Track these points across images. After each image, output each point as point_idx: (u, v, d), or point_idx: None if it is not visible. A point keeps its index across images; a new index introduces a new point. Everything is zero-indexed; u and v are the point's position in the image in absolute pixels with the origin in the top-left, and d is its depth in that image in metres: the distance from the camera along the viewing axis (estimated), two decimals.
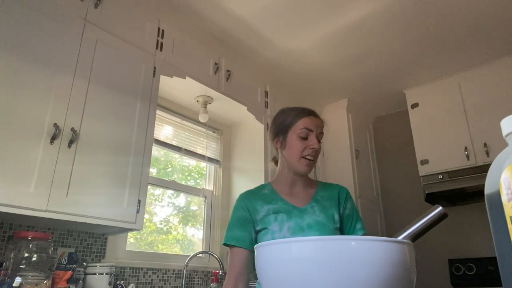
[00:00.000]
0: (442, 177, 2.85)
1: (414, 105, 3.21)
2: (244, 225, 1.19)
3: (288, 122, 1.26)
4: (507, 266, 0.34)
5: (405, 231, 0.57)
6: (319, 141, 1.24)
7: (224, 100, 2.66)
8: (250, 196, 1.25)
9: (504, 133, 0.41)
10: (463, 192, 2.85)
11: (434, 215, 0.57)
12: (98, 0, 1.96)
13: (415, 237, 0.56)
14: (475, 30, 2.57)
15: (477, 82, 2.93)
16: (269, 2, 2.29)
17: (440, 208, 0.57)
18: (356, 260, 0.43)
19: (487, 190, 0.37)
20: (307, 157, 1.20)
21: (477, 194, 2.84)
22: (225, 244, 1.20)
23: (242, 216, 1.21)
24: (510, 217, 0.34)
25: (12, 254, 1.51)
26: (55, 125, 1.64)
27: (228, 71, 2.66)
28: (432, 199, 2.95)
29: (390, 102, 3.55)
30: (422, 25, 2.51)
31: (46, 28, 1.73)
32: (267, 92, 2.97)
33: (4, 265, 1.49)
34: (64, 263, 1.69)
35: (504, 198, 0.35)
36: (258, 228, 1.18)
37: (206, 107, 2.66)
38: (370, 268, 0.43)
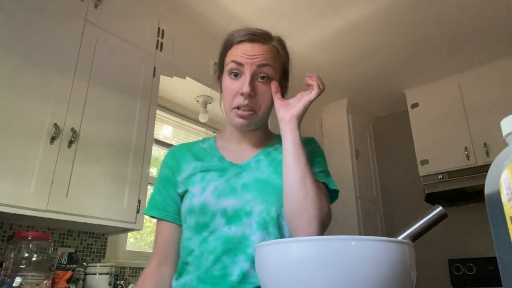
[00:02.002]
0: (442, 177, 2.85)
1: (414, 105, 3.21)
2: (166, 189, 0.91)
3: (221, 54, 0.94)
4: (507, 266, 0.34)
5: (405, 231, 0.57)
6: (262, 77, 0.85)
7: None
8: (178, 151, 0.96)
9: (504, 133, 0.41)
10: (463, 192, 2.85)
11: (434, 215, 0.57)
12: (98, 0, 1.96)
13: (415, 237, 0.56)
14: (475, 30, 2.57)
15: (477, 82, 2.93)
16: (269, 2, 2.29)
17: (440, 208, 0.57)
18: (355, 260, 0.43)
19: (487, 190, 0.37)
20: (237, 109, 0.85)
21: (477, 194, 2.84)
22: (146, 214, 0.94)
23: (165, 177, 0.92)
24: (510, 217, 0.34)
25: (12, 254, 1.51)
26: (55, 125, 1.64)
27: None
28: (432, 199, 2.95)
29: (390, 102, 3.55)
30: (422, 25, 2.51)
31: (46, 28, 1.73)
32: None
33: (4, 265, 1.49)
34: (64, 263, 1.69)
35: (504, 198, 0.35)
36: (179, 190, 0.89)
37: (206, 107, 2.66)
38: (370, 268, 0.43)
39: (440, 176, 2.86)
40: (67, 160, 1.67)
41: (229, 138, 0.95)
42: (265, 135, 0.96)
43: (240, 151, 0.93)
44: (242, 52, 0.86)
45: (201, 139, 1.02)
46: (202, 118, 2.64)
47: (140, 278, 0.88)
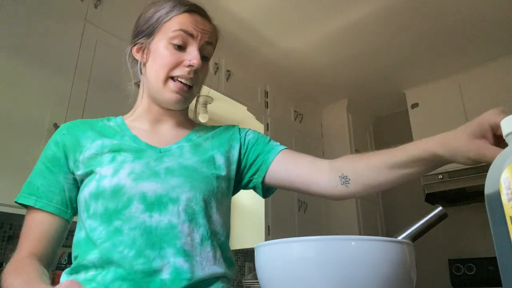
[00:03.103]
0: (442, 177, 2.85)
1: (414, 105, 3.21)
2: (52, 173, 0.76)
3: (157, 18, 0.82)
4: (507, 266, 0.34)
5: (405, 231, 0.57)
6: (204, 57, 0.80)
7: (224, 100, 2.66)
8: (75, 126, 0.80)
9: (504, 133, 0.41)
10: (463, 192, 2.85)
11: (434, 215, 0.57)
12: (98, 0, 1.96)
13: (415, 237, 0.56)
14: (475, 30, 2.57)
15: (477, 82, 2.93)
16: (269, 2, 2.29)
17: (440, 208, 0.57)
18: (355, 260, 0.43)
19: (487, 190, 0.37)
20: (179, 79, 0.76)
21: (477, 194, 2.84)
22: (18, 203, 0.79)
23: (53, 157, 0.77)
24: (510, 217, 0.34)
25: (12, 254, 1.51)
26: (55, 125, 1.64)
27: (228, 71, 2.66)
28: (432, 199, 2.95)
29: (390, 102, 3.55)
30: (422, 25, 2.51)
31: (46, 28, 1.73)
32: (267, 92, 2.97)
33: (4, 265, 1.49)
34: (64, 263, 1.69)
35: (504, 198, 0.35)
36: (79, 172, 0.74)
37: (206, 107, 2.66)
38: (370, 268, 0.43)
39: (440, 176, 2.86)
40: None
41: (143, 117, 0.82)
42: (185, 119, 0.89)
43: (156, 133, 0.81)
44: (194, 23, 0.78)
45: (104, 117, 0.88)
46: (202, 118, 2.64)
47: (8, 267, 0.71)
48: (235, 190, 0.87)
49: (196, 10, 0.81)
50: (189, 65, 0.75)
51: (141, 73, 0.81)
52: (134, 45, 0.83)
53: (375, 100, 3.51)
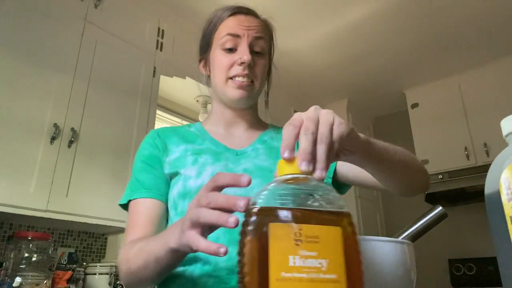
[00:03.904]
0: (442, 177, 2.85)
1: (414, 105, 3.21)
2: (154, 168, 0.81)
3: (209, 32, 0.87)
4: (507, 266, 0.34)
5: (405, 231, 0.57)
6: (256, 52, 0.82)
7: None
8: (163, 132, 0.88)
9: (504, 133, 0.41)
10: (463, 192, 2.85)
11: (434, 215, 0.57)
12: (98, 0, 1.96)
13: (415, 237, 0.56)
14: (475, 30, 2.57)
15: (477, 82, 2.93)
16: (269, 2, 2.29)
17: (440, 208, 0.57)
18: None
19: (487, 190, 0.37)
20: (236, 78, 0.80)
21: (477, 194, 2.84)
22: (122, 206, 0.83)
23: (151, 155, 0.83)
24: (510, 217, 0.34)
25: (12, 254, 1.51)
26: (55, 125, 1.64)
27: None
28: (432, 199, 2.95)
29: (390, 102, 3.55)
30: (422, 25, 2.51)
31: (46, 28, 1.73)
32: (267, 92, 2.97)
33: (4, 265, 1.49)
34: (64, 263, 1.69)
35: (504, 198, 0.35)
36: (166, 172, 0.81)
37: (206, 107, 2.66)
38: (370, 268, 0.43)
39: (440, 176, 2.86)
40: (67, 160, 1.66)
41: (218, 122, 0.89)
42: (256, 120, 0.93)
43: (231, 136, 0.87)
44: (238, 23, 0.82)
45: (186, 124, 0.94)
46: (202, 118, 2.64)
47: (122, 251, 0.71)
48: None
49: (239, 11, 0.85)
50: (242, 63, 0.79)
51: (208, 85, 0.90)
52: (200, 62, 0.92)
53: (375, 100, 3.51)
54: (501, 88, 2.79)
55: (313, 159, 0.42)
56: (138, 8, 2.19)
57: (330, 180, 0.84)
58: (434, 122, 3.05)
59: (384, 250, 0.44)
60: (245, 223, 0.38)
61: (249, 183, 0.44)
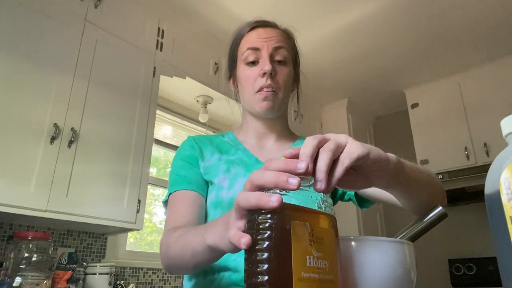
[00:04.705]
0: (442, 177, 2.85)
1: (414, 105, 3.21)
2: (194, 166, 0.85)
3: (233, 49, 0.92)
4: (507, 266, 0.34)
5: (405, 231, 0.57)
6: (278, 61, 0.85)
7: (224, 100, 2.65)
8: (199, 138, 0.92)
9: (504, 133, 0.41)
10: (463, 192, 2.85)
11: (434, 215, 0.57)
12: (98, 0, 1.96)
13: (415, 237, 0.56)
14: (475, 30, 2.57)
15: (477, 82, 2.93)
16: (269, 2, 2.29)
17: (440, 208, 0.57)
18: (356, 260, 0.43)
19: (487, 190, 0.37)
20: (262, 89, 0.83)
21: (477, 194, 2.84)
22: (165, 203, 0.84)
23: (190, 155, 0.86)
24: (510, 217, 0.34)
25: (12, 254, 1.51)
26: (55, 125, 1.64)
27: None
28: None
29: (390, 102, 3.55)
30: (422, 25, 2.51)
31: (46, 28, 1.73)
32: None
33: (4, 265, 1.49)
34: (64, 263, 1.69)
35: (504, 198, 0.35)
36: (203, 176, 0.85)
37: (206, 107, 2.66)
38: (370, 268, 0.43)
39: (440, 176, 2.86)
40: (67, 160, 1.66)
41: (249, 133, 0.92)
42: (286, 131, 0.95)
43: (263, 148, 0.90)
44: (256, 37, 0.86)
45: (219, 133, 0.98)
46: (202, 118, 2.64)
47: (163, 238, 0.71)
48: (334, 201, 0.91)
49: (257, 25, 0.89)
50: (263, 73, 0.82)
51: (236, 99, 0.94)
52: (229, 79, 0.95)
53: (375, 100, 3.51)
54: (501, 88, 2.79)
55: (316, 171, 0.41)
56: (138, 8, 2.19)
57: (352, 193, 0.85)
58: (434, 122, 3.05)
59: (384, 250, 0.44)
60: (263, 219, 0.36)
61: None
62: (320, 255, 0.37)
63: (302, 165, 0.39)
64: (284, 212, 0.36)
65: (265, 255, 0.35)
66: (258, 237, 0.36)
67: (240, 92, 0.90)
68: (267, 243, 0.35)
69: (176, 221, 0.75)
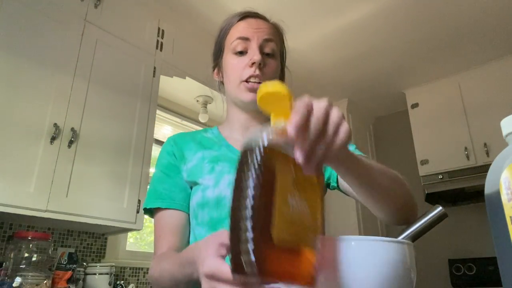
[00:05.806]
0: (442, 177, 2.85)
1: (414, 105, 3.21)
2: (170, 177, 0.82)
3: (220, 38, 0.89)
4: (507, 266, 0.34)
5: (405, 231, 0.57)
6: (267, 54, 0.83)
7: (224, 100, 2.65)
8: (179, 138, 0.89)
9: (504, 133, 0.41)
10: (463, 192, 2.85)
11: (434, 215, 0.57)
12: (98, 0, 1.96)
13: (415, 237, 0.56)
14: (475, 30, 2.57)
15: (477, 82, 2.93)
16: (268, 2, 2.29)
17: (440, 208, 0.57)
18: (356, 260, 0.43)
19: (487, 190, 0.37)
20: (249, 79, 0.80)
21: (477, 194, 2.84)
22: (146, 211, 0.83)
23: (168, 164, 0.84)
24: (510, 217, 0.34)
25: (12, 254, 1.51)
26: (55, 125, 1.64)
27: None
28: (432, 199, 2.95)
29: (390, 102, 3.55)
30: (422, 25, 2.51)
31: (46, 28, 1.73)
32: None
33: (4, 265, 1.49)
34: (64, 263, 1.69)
35: (504, 198, 0.35)
36: (186, 180, 0.83)
37: (206, 107, 2.66)
38: (370, 268, 0.43)
39: (440, 176, 2.86)
40: (67, 160, 1.66)
41: (234, 127, 0.88)
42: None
43: None
44: (247, 27, 0.84)
45: (202, 129, 0.96)
46: (202, 118, 2.64)
47: (152, 265, 0.73)
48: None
49: (248, 15, 0.87)
50: (252, 63, 0.79)
51: (220, 90, 0.92)
52: (213, 69, 0.92)
53: (375, 100, 3.51)
54: (501, 88, 2.79)
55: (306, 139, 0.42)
56: (138, 8, 2.19)
57: (335, 184, 0.83)
58: (434, 122, 3.05)
59: (384, 250, 0.44)
60: (249, 159, 0.37)
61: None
62: (302, 200, 0.39)
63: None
64: (269, 154, 0.38)
65: (247, 191, 0.36)
66: (245, 173, 0.37)
67: (225, 82, 0.87)
68: (248, 179, 0.36)
69: (162, 247, 0.77)
